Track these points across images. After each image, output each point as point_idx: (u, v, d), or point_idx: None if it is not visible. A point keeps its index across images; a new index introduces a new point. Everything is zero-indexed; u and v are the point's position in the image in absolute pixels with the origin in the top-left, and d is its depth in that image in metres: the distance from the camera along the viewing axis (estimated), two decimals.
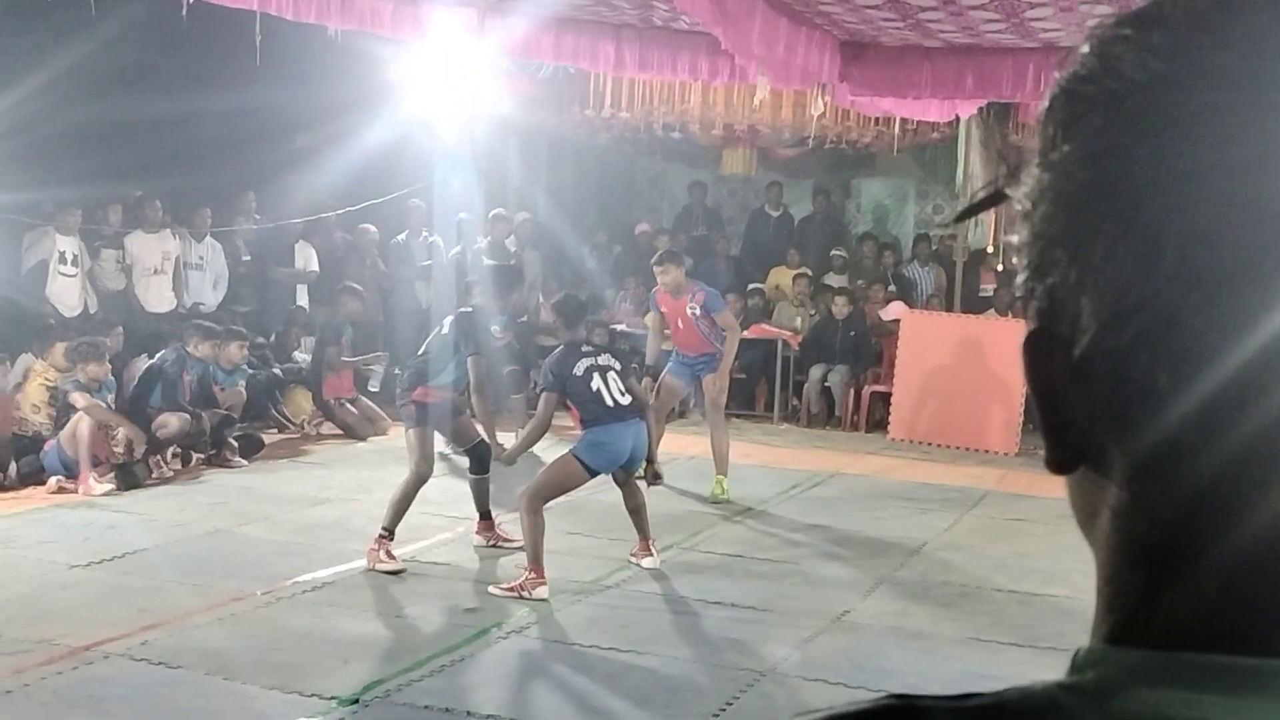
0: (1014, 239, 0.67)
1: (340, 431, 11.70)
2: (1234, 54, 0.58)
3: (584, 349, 7.33)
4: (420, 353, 7.86)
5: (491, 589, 7.06)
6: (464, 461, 8.38)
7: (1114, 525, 0.63)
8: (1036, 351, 0.64)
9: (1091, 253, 0.60)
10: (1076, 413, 0.62)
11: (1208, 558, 0.59)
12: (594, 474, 7.23)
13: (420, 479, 7.50)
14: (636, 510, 7.52)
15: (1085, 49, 0.63)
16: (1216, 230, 0.56)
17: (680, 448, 10.80)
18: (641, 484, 7.53)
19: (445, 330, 7.69)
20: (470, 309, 7.77)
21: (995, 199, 0.75)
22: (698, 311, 9.45)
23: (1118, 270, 0.59)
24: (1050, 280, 0.62)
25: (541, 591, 6.94)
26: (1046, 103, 0.65)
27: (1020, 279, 0.66)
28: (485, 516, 8.03)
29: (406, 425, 7.68)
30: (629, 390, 7.26)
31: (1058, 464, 0.65)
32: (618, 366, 7.33)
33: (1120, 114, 0.60)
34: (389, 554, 7.40)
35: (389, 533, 7.43)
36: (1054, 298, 0.62)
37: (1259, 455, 0.57)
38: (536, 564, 6.99)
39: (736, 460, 9.92)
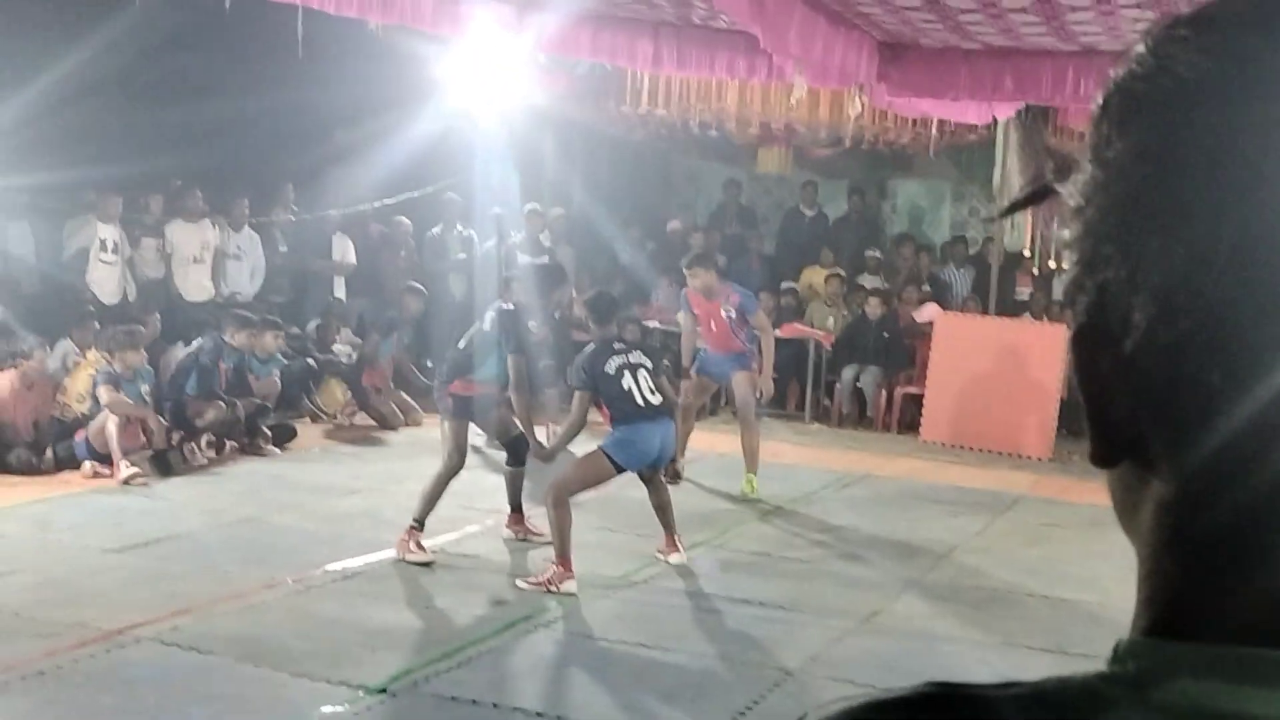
0: (1065, 234, 0.67)
1: (373, 422, 11.76)
2: None
3: (615, 346, 7.35)
4: (461, 345, 7.89)
5: (519, 582, 7.08)
6: (498, 455, 8.42)
7: (1158, 520, 0.63)
8: (1085, 346, 0.65)
9: (1144, 249, 0.61)
10: (1123, 408, 0.63)
11: (1259, 554, 0.59)
12: (621, 471, 7.24)
13: (451, 471, 7.54)
14: (662, 507, 7.54)
15: (1141, 48, 0.64)
16: (1271, 230, 0.57)
17: (709, 445, 10.80)
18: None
19: (487, 326, 7.72)
20: (512, 306, 7.80)
21: (1041, 195, 0.76)
22: (733, 314, 9.47)
23: (1170, 267, 0.60)
24: (1101, 276, 0.63)
25: (569, 586, 6.96)
26: (1101, 100, 0.65)
27: (1069, 274, 0.67)
28: (517, 509, 8.06)
29: (442, 417, 7.74)
30: (659, 389, 7.28)
31: (1102, 458, 0.66)
32: (649, 365, 7.34)
33: (1175, 113, 0.61)
34: (419, 545, 7.44)
35: (419, 524, 7.47)
36: (1104, 293, 0.63)
37: None
38: (564, 558, 7.01)
39: (767, 459, 9.91)
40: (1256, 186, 0.57)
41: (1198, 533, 0.62)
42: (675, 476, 7.55)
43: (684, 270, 9.65)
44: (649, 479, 7.49)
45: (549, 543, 7.40)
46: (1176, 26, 0.63)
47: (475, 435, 8.34)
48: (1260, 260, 0.57)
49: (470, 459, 7.95)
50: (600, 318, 7.53)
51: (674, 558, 7.59)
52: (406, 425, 11.68)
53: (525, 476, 8.05)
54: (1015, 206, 0.87)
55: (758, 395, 9.81)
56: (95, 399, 9.66)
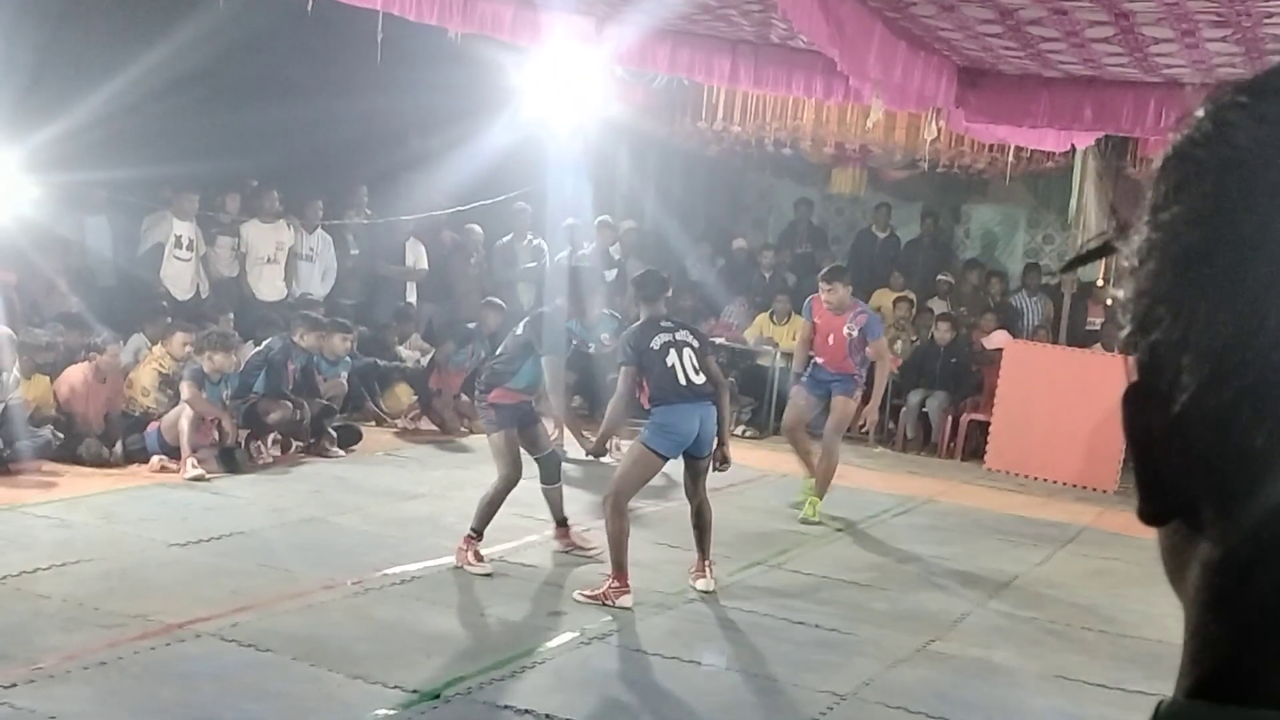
0: (1120, 294, 0.68)
1: (436, 427, 11.83)
2: None
3: (663, 324, 7.19)
4: (498, 353, 7.88)
5: (576, 595, 7.08)
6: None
7: (1204, 580, 0.63)
8: (1135, 405, 0.65)
9: (1195, 313, 0.61)
10: (1172, 467, 0.63)
11: None
12: (666, 459, 7.13)
13: (509, 483, 7.49)
14: (701, 527, 7.38)
15: (1200, 113, 0.64)
16: None
17: (772, 464, 10.76)
18: (710, 498, 7.44)
19: (520, 331, 7.72)
20: (543, 310, 7.77)
21: (1103, 251, 0.76)
22: (855, 333, 9.37)
23: (1220, 332, 0.60)
24: (1153, 337, 0.64)
25: (625, 600, 6.94)
26: (1159, 163, 0.66)
27: (1124, 333, 0.67)
28: (561, 524, 8.02)
29: (487, 429, 7.70)
30: (705, 369, 7.14)
31: (1150, 516, 0.66)
32: (695, 344, 7.16)
33: (1231, 180, 0.61)
34: (477, 555, 7.45)
35: (477, 534, 7.47)
36: (1155, 354, 0.63)
37: None
38: (620, 571, 6.98)
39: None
40: None
41: (1243, 597, 0.61)
42: (724, 461, 7.34)
43: (820, 282, 9.57)
44: (691, 490, 7.33)
45: (595, 558, 7.41)
46: (1237, 93, 0.62)
47: None
48: None
49: (530, 468, 7.96)
50: (648, 296, 7.35)
51: (700, 583, 7.39)
52: (470, 433, 11.73)
53: (563, 490, 7.97)
54: (1077, 261, 0.88)
55: (862, 424, 9.74)
56: (161, 392, 9.79)
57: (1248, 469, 0.59)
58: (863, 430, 9.79)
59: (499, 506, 7.51)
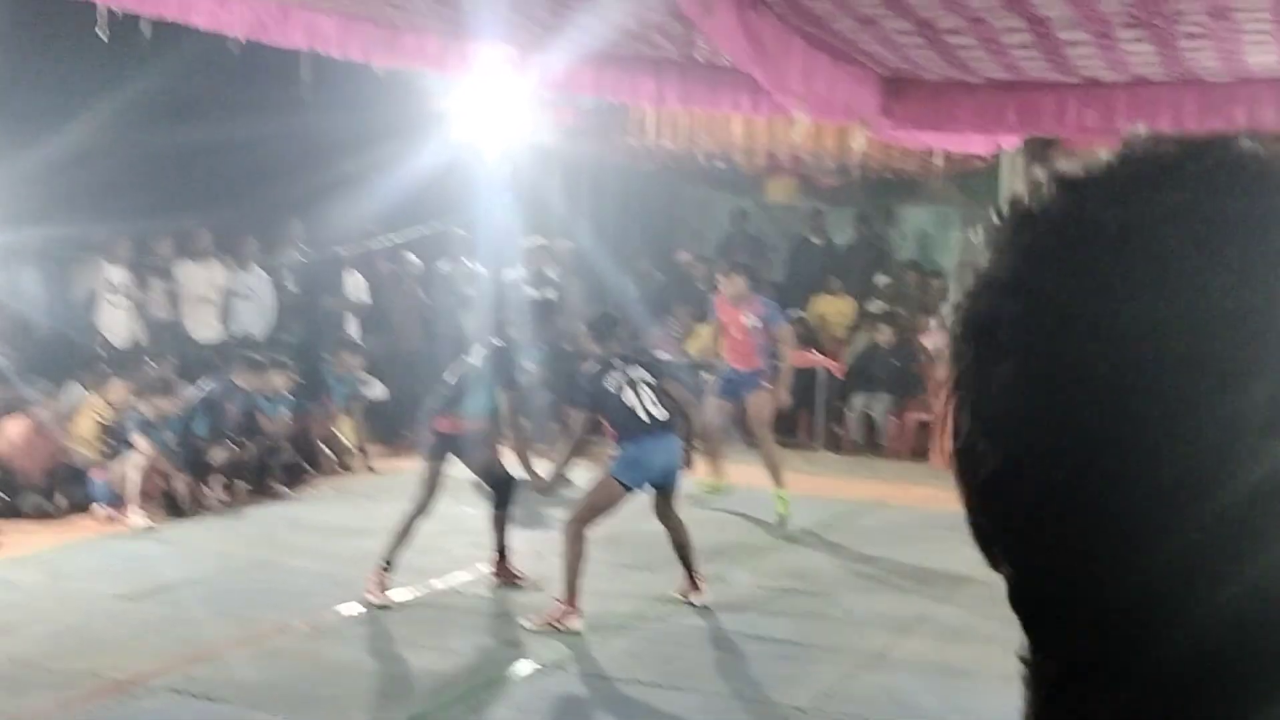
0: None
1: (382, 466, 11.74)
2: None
3: (614, 363, 7.31)
4: (449, 380, 7.84)
5: (524, 622, 7.06)
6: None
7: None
8: (956, 465, 0.68)
9: (989, 391, 0.64)
10: (982, 526, 0.68)
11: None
12: (631, 490, 7.20)
13: (419, 509, 7.46)
14: (681, 546, 7.47)
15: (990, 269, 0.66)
16: (1095, 392, 0.60)
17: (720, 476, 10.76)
18: (683, 518, 7.50)
19: (477, 362, 7.71)
20: (502, 343, 7.81)
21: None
22: (757, 323, 9.60)
23: (1012, 412, 0.63)
24: (963, 407, 0.67)
25: (574, 623, 6.94)
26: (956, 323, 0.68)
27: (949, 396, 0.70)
28: (500, 552, 7.93)
29: (421, 452, 7.70)
30: (668, 397, 7.26)
31: (989, 563, 0.70)
32: (651, 379, 7.29)
33: (1036, 334, 0.63)
34: (381, 587, 7.38)
35: (388, 564, 7.41)
36: (961, 424, 0.67)
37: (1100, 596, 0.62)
38: (571, 595, 6.99)
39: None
40: (1054, 403, 0.61)
41: (1024, 653, 0.69)
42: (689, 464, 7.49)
43: (717, 275, 9.85)
44: (664, 512, 7.42)
45: (533, 587, 7.43)
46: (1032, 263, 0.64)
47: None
48: (1089, 417, 0.60)
49: (478, 497, 7.90)
50: (600, 336, 7.55)
51: (695, 598, 7.52)
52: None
53: (510, 519, 7.95)
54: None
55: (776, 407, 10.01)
56: (102, 441, 9.68)
57: (1024, 541, 0.65)
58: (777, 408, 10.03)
59: (409, 534, 7.45)
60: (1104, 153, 0.65)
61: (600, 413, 7.23)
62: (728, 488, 10.17)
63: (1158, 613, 0.60)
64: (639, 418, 7.10)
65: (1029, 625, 0.67)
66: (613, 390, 7.16)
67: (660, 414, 7.17)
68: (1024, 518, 0.64)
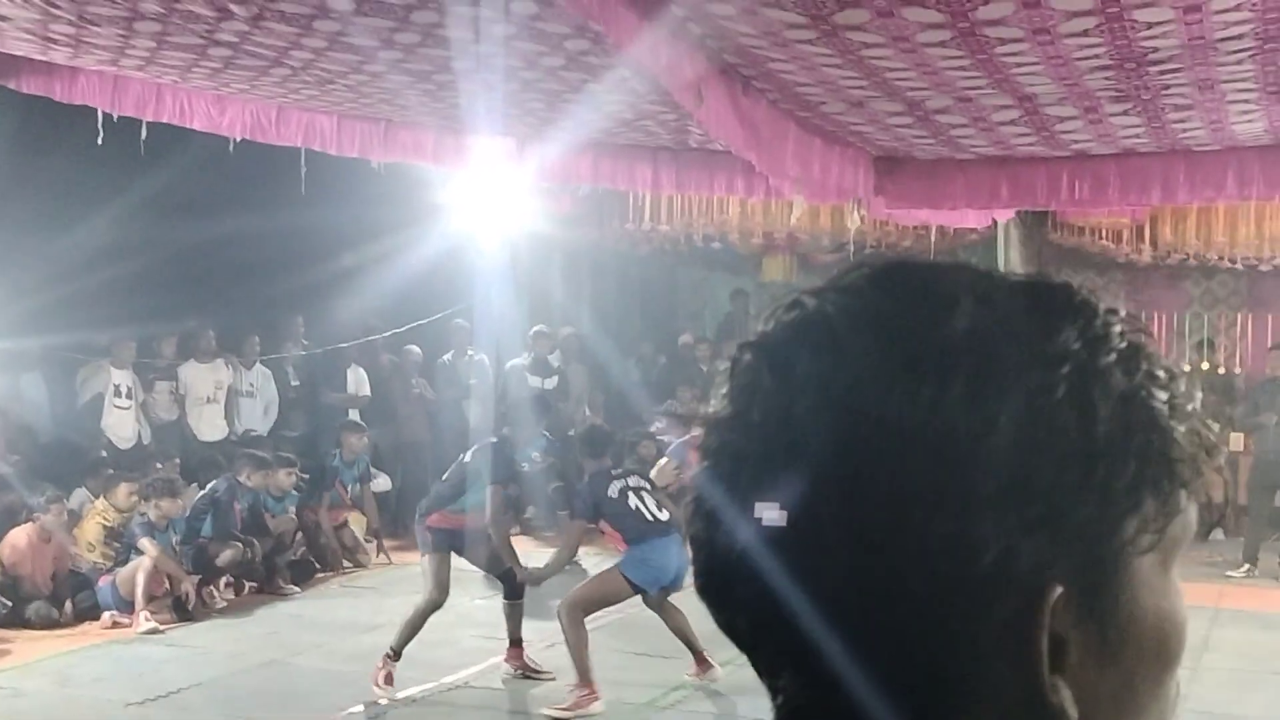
0: None
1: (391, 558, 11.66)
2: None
3: (614, 472, 7.45)
4: (444, 478, 7.96)
5: (546, 710, 7.03)
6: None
7: None
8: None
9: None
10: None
11: None
12: (638, 591, 7.21)
13: (432, 605, 7.52)
14: (681, 629, 7.41)
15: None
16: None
17: None
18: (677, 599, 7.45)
19: (468, 459, 7.78)
20: (497, 439, 7.87)
21: None
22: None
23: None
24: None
25: (596, 707, 6.95)
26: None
27: None
28: (516, 644, 7.93)
29: (421, 550, 7.75)
30: (667, 499, 7.34)
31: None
32: (649, 486, 7.43)
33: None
34: (388, 678, 7.39)
35: (395, 654, 7.43)
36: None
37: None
38: (585, 679, 6.98)
39: None
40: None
41: None
42: None
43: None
44: (658, 606, 7.41)
45: (550, 678, 7.40)
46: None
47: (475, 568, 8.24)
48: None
49: (491, 587, 7.85)
50: (593, 451, 7.64)
51: (707, 676, 7.46)
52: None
53: (524, 609, 7.94)
54: None
55: None
56: (108, 545, 9.65)
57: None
58: None
59: (419, 628, 7.50)
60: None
61: (604, 520, 7.29)
62: None
63: None
64: (646, 519, 7.15)
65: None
66: (615, 496, 7.22)
67: (664, 516, 7.22)
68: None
